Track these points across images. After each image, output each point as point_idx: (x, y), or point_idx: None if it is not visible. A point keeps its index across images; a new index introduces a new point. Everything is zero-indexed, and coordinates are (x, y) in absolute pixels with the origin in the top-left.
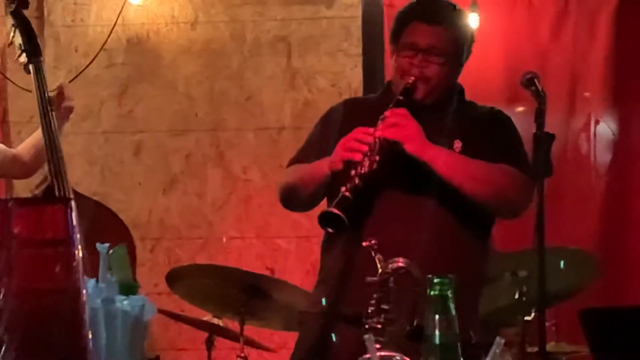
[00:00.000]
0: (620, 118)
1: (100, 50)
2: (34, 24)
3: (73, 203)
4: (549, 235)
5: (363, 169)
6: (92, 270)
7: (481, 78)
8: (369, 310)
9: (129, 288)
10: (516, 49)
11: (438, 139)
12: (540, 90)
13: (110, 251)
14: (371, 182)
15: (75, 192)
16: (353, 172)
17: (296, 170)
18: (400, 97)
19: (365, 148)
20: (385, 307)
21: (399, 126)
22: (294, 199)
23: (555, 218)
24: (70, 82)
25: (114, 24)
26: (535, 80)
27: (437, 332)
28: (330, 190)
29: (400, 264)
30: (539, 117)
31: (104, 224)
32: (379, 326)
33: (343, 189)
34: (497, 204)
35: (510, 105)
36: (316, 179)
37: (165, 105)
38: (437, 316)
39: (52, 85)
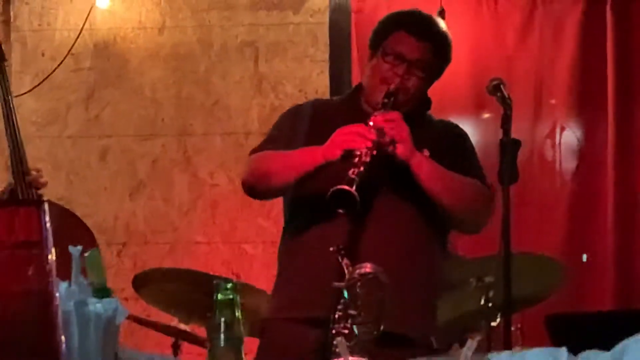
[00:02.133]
0: (585, 125)
1: (67, 55)
2: (0, 27)
3: (46, 205)
4: (514, 241)
5: (366, 157)
6: (59, 273)
7: (447, 84)
8: (336, 315)
9: (103, 291)
10: (482, 56)
11: None
12: (507, 96)
13: (85, 254)
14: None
15: (39, 196)
16: (357, 159)
17: (272, 157)
18: (386, 100)
19: (372, 139)
20: (352, 312)
21: (394, 127)
22: (264, 185)
23: (521, 224)
24: (36, 86)
25: (81, 28)
26: (502, 87)
27: (221, 335)
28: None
29: (368, 270)
30: (505, 123)
31: (69, 228)
32: (346, 331)
33: (350, 171)
34: (467, 216)
35: (476, 111)
36: (305, 167)
37: (132, 110)
38: (222, 319)
39: (18, 89)
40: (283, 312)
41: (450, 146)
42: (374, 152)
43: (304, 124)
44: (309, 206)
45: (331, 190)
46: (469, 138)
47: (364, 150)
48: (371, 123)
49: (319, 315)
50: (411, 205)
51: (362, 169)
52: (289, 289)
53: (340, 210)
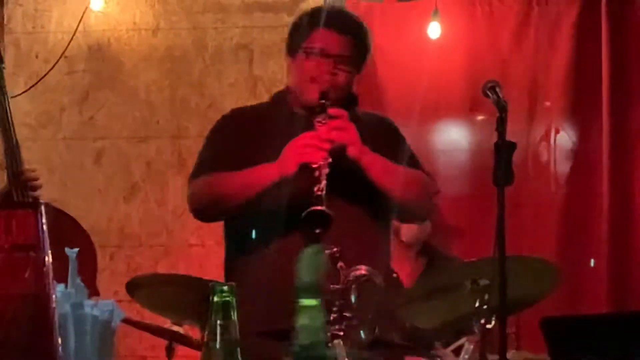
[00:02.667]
0: (580, 127)
1: (60, 57)
2: None
3: (43, 208)
4: (509, 244)
5: (325, 169)
6: (55, 275)
7: (442, 86)
8: (332, 318)
9: (311, 290)
10: (477, 58)
11: None
12: (502, 98)
13: (303, 254)
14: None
15: (34, 198)
16: (317, 173)
17: (224, 179)
18: (323, 101)
19: (326, 150)
20: (347, 314)
21: (344, 129)
22: (219, 208)
23: (515, 227)
24: (30, 88)
25: (75, 31)
26: (497, 89)
27: (218, 338)
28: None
29: (362, 272)
30: (500, 125)
31: (65, 230)
32: (342, 333)
33: (315, 188)
34: (416, 207)
35: (471, 113)
36: (261, 185)
37: (126, 112)
38: (219, 322)
39: (12, 91)
40: (246, 326)
41: (386, 140)
42: (330, 160)
43: (239, 138)
44: (265, 221)
45: (306, 212)
46: (399, 129)
47: (322, 163)
48: (320, 129)
49: (283, 327)
50: (359, 207)
51: (324, 182)
52: (251, 303)
53: (317, 231)
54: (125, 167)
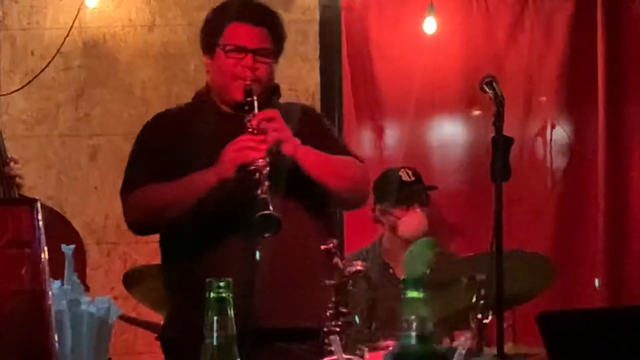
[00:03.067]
0: (576, 122)
1: (56, 54)
2: None
3: (39, 204)
4: (504, 239)
5: (265, 169)
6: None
7: (438, 82)
8: (328, 314)
9: (416, 283)
10: (472, 53)
11: None
12: (499, 93)
13: (412, 247)
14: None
15: (21, 196)
16: (257, 175)
17: (161, 191)
18: (249, 99)
19: (263, 150)
20: (343, 310)
21: (277, 128)
22: (159, 220)
23: (512, 222)
24: (26, 85)
25: (71, 27)
26: (494, 84)
27: (215, 334)
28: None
29: (359, 267)
30: (498, 120)
31: (56, 227)
32: (338, 329)
33: (259, 191)
34: (352, 194)
35: (467, 108)
36: (200, 191)
37: (122, 109)
38: (215, 318)
39: (8, 88)
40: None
41: (311, 128)
42: (268, 160)
43: (167, 145)
44: (204, 226)
45: (255, 217)
46: (322, 116)
47: (261, 163)
48: (253, 129)
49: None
50: (296, 202)
51: (267, 184)
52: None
53: (266, 235)
54: (121, 164)
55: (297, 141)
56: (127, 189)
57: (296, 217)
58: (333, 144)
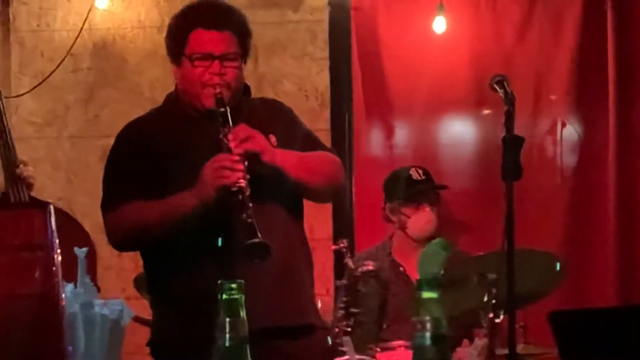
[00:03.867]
0: (586, 120)
1: (66, 55)
2: None
3: (51, 208)
4: (516, 238)
5: (247, 190)
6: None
7: (447, 81)
8: (338, 314)
9: (430, 283)
10: (481, 52)
11: None
12: (509, 92)
13: (427, 247)
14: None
15: (32, 198)
16: (240, 197)
17: (144, 210)
18: (222, 109)
19: (241, 171)
20: (354, 310)
21: (253, 139)
22: (143, 239)
23: (522, 220)
24: (35, 87)
25: (80, 29)
26: (504, 83)
27: (227, 335)
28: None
29: (370, 267)
30: (508, 119)
31: (66, 230)
32: (349, 329)
33: (244, 216)
34: (330, 189)
35: (476, 108)
36: (183, 213)
37: (131, 110)
38: (227, 319)
39: (17, 90)
40: (180, 336)
41: (286, 125)
42: (247, 177)
43: (142, 156)
44: (191, 243)
45: (246, 244)
46: (292, 110)
47: (242, 184)
48: (231, 148)
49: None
50: (274, 201)
51: (250, 206)
52: (184, 314)
53: (257, 261)
54: None
55: (274, 149)
56: (108, 207)
57: (276, 217)
58: (306, 138)
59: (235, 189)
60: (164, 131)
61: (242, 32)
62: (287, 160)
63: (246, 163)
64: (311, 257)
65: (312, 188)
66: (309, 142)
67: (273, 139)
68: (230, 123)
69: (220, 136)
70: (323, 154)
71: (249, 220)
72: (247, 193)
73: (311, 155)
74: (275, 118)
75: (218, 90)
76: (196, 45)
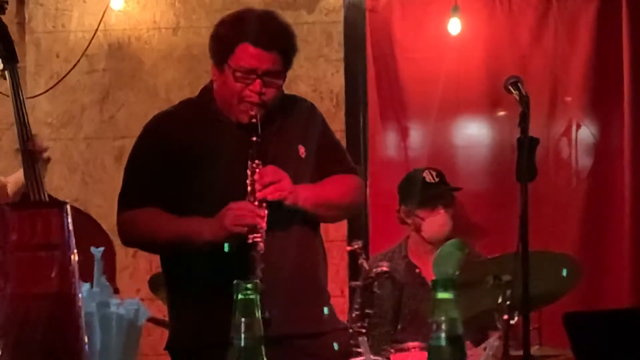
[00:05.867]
0: (601, 122)
1: (81, 56)
2: (14, 29)
3: (68, 207)
4: (530, 239)
5: (262, 242)
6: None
7: (462, 83)
8: (353, 315)
9: (446, 283)
10: (497, 54)
11: (284, 149)
12: (524, 94)
13: (442, 248)
14: None
15: (51, 198)
16: (253, 252)
17: (153, 221)
18: (254, 138)
19: (262, 225)
20: (369, 311)
21: (278, 184)
22: (147, 247)
23: (537, 222)
24: (51, 88)
25: (96, 30)
26: (519, 85)
27: (242, 335)
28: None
29: (384, 269)
30: (523, 121)
31: (85, 230)
32: (364, 330)
33: (257, 272)
34: (345, 216)
35: (491, 109)
36: (192, 241)
37: (147, 111)
38: (243, 319)
39: (33, 91)
40: (198, 337)
41: (315, 136)
42: (265, 222)
43: (167, 154)
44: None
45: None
46: (324, 118)
47: (259, 237)
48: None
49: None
50: (296, 228)
51: (262, 266)
52: (202, 318)
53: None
54: None
55: (298, 190)
56: (124, 204)
57: (295, 230)
58: (335, 157)
59: (250, 242)
60: (194, 134)
61: (288, 51)
62: (309, 199)
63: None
64: (327, 266)
65: (329, 219)
66: (337, 159)
67: (302, 149)
68: (258, 160)
69: (248, 171)
70: (347, 180)
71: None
72: (260, 250)
73: (333, 189)
74: (306, 128)
75: (254, 112)
76: (241, 59)
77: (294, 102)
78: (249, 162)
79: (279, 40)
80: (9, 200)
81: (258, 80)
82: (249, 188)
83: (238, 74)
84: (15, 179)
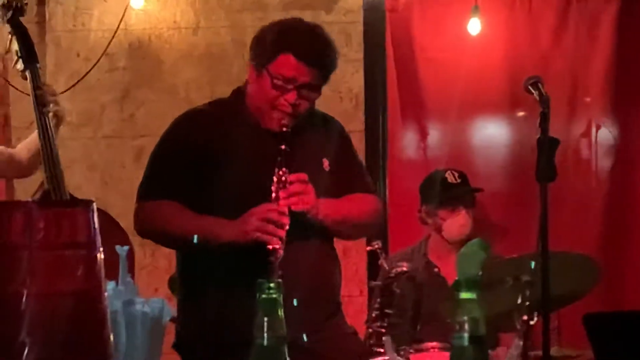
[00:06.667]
0: (621, 123)
1: (102, 55)
2: (35, 28)
3: (94, 206)
4: (550, 240)
5: (280, 253)
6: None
7: (482, 83)
8: (373, 315)
9: (469, 284)
10: (517, 54)
11: (309, 161)
12: (544, 94)
13: (465, 247)
14: None
15: (71, 197)
16: (272, 258)
17: (172, 215)
18: (283, 147)
19: (283, 233)
20: (388, 311)
21: (303, 195)
22: (164, 241)
23: (557, 223)
24: (71, 87)
25: (116, 29)
26: (539, 85)
27: (265, 334)
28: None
29: (404, 268)
30: (543, 121)
31: (103, 228)
32: (383, 330)
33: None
34: (361, 235)
35: (511, 110)
36: (209, 240)
37: (166, 110)
38: (265, 318)
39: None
40: (209, 337)
41: (340, 152)
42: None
43: (196, 156)
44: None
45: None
46: (350, 138)
47: (278, 247)
48: (279, 183)
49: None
50: (312, 240)
51: (280, 273)
52: (216, 315)
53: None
54: None
55: (318, 204)
56: (144, 195)
57: (309, 245)
58: (356, 176)
59: (270, 249)
60: (222, 134)
61: (329, 70)
62: (329, 216)
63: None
64: (341, 273)
65: (344, 236)
66: (358, 178)
67: (326, 162)
68: (285, 168)
69: (274, 178)
70: (367, 199)
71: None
72: (279, 256)
73: (353, 207)
74: (331, 143)
75: (285, 122)
76: (282, 68)
77: (323, 118)
78: (276, 170)
79: (323, 58)
80: (26, 166)
81: (295, 91)
82: (273, 195)
83: (276, 82)
84: (26, 144)
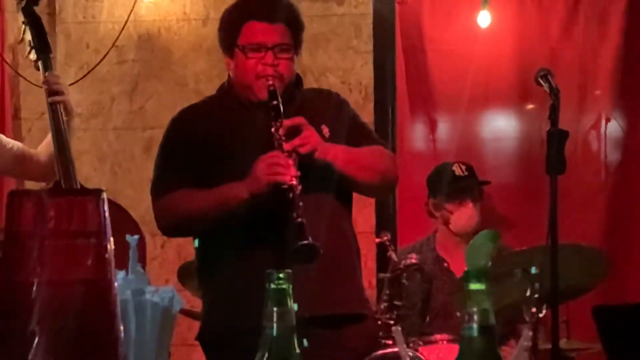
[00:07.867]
0: (630, 116)
1: (111, 47)
2: (45, 20)
3: (104, 195)
4: (559, 232)
5: (297, 189)
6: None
7: (492, 75)
8: (382, 306)
9: (478, 275)
10: (527, 47)
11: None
12: (554, 87)
13: (475, 238)
14: None
15: (82, 187)
16: (291, 195)
17: (192, 199)
18: (275, 102)
19: (293, 170)
20: (397, 303)
21: (308, 139)
22: (188, 228)
23: (566, 215)
24: (81, 79)
25: (126, 21)
26: (549, 77)
27: (274, 324)
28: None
29: (413, 261)
30: (553, 113)
31: (114, 219)
32: (392, 322)
33: (294, 215)
34: (381, 184)
35: (520, 102)
36: (230, 205)
37: (176, 102)
38: (275, 309)
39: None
40: (230, 325)
41: (339, 116)
42: (299, 173)
43: (196, 141)
44: (237, 234)
45: (297, 246)
46: (347, 101)
47: (294, 183)
48: (281, 137)
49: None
50: (323, 193)
51: (300, 204)
52: (233, 304)
53: (306, 263)
54: None
55: (327, 145)
56: (158, 192)
57: (325, 206)
58: (361, 132)
59: (286, 186)
60: (217, 120)
61: (294, 25)
62: (339, 156)
63: (297, 158)
64: (359, 248)
65: (362, 183)
66: (363, 135)
67: (326, 129)
68: (282, 117)
69: (272, 130)
70: (376, 148)
71: (299, 220)
72: (298, 192)
73: (364, 151)
74: (328, 108)
75: (271, 82)
76: (249, 36)
77: (316, 90)
78: (273, 122)
79: (281, 11)
80: (46, 168)
81: (269, 52)
82: (275, 144)
83: (249, 51)
84: (46, 142)
